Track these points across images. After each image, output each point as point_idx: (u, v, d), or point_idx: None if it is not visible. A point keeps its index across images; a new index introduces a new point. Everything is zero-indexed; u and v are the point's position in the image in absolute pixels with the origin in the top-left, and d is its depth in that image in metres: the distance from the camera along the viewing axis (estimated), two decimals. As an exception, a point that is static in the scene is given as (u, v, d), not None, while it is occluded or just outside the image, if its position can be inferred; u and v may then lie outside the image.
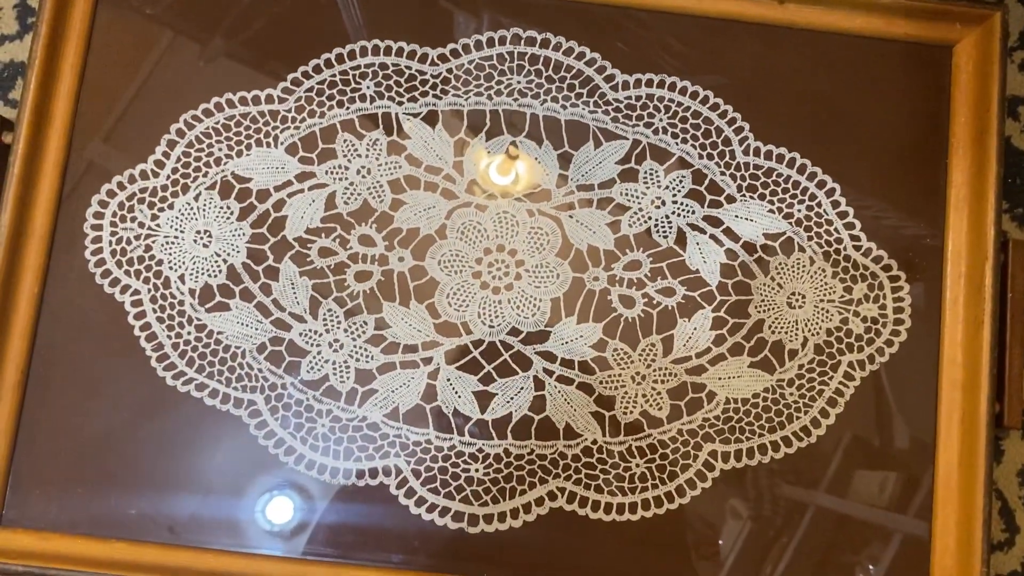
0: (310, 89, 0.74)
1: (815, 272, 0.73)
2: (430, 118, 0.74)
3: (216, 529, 0.68)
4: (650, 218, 0.73)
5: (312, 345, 0.71)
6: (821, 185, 0.74)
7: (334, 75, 0.74)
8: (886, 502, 0.70)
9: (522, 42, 0.75)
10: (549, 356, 0.71)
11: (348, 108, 0.74)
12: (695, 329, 0.72)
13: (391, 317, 0.71)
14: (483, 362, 0.71)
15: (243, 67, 0.73)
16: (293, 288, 0.71)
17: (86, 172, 0.72)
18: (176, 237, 0.72)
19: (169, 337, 0.71)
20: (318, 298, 0.71)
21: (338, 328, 0.71)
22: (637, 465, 0.70)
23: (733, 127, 0.74)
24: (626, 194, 0.73)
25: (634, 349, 0.71)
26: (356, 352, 0.71)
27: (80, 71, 0.73)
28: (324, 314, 0.71)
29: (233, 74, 0.73)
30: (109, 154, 0.72)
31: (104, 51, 0.73)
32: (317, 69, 0.74)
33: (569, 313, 0.72)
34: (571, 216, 0.73)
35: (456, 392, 0.71)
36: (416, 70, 0.74)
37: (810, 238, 0.74)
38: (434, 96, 0.74)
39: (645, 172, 0.73)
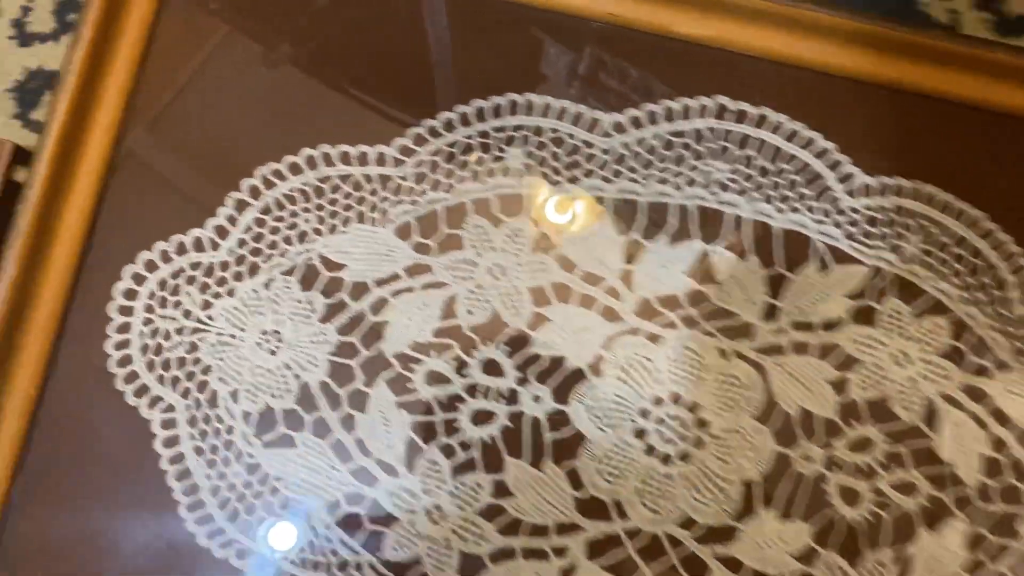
0: (437, 152, 0.53)
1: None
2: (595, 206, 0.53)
3: None
4: (890, 379, 0.52)
5: (404, 511, 0.50)
6: None
7: (471, 136, 0.53)
8: None
9: (729, 116, 0.54)
10: (734, 564, 0.50)
11: (486, 183, 0.54)
12: (943, 548, 0.50)
13: (516, 482, 0.50)
14: (639, 562, 0.50)
15: (351, 114, 0.52)
16: (386, 426, 0.51)
17: (119, 233, 0.52)
18: (233, 336, 0.51)
19: (208, 477, 0.50)
20: (418, 443, 0.51)
21: (442, 490, 0.50)
22: None
23: (1009, 262, 0.53)
24: (859, 342, 0.52)
25: (854, 565, 0.50)
26: (463, 528, 0.50)
27: (129, 92, 0.53)
28: (425, 467, 0.50)
29: (336, 122, 0.52)
30: (154, 211, 0.52)
31: (163, 70, 0.53)
32: (449, 126, 0.53)
33: (767, 504, 0.50)
34: (780, 364, 0.52)
35: (599, 601, 0.50)
36: (582, 140, 0.53)
37: (1111, 430, 0.52)
38: (602, 178, 0.53)
39: (887, 314, 0.52)
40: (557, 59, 0.54)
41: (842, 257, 0.52)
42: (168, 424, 0.50)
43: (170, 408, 0.50)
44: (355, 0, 0.54)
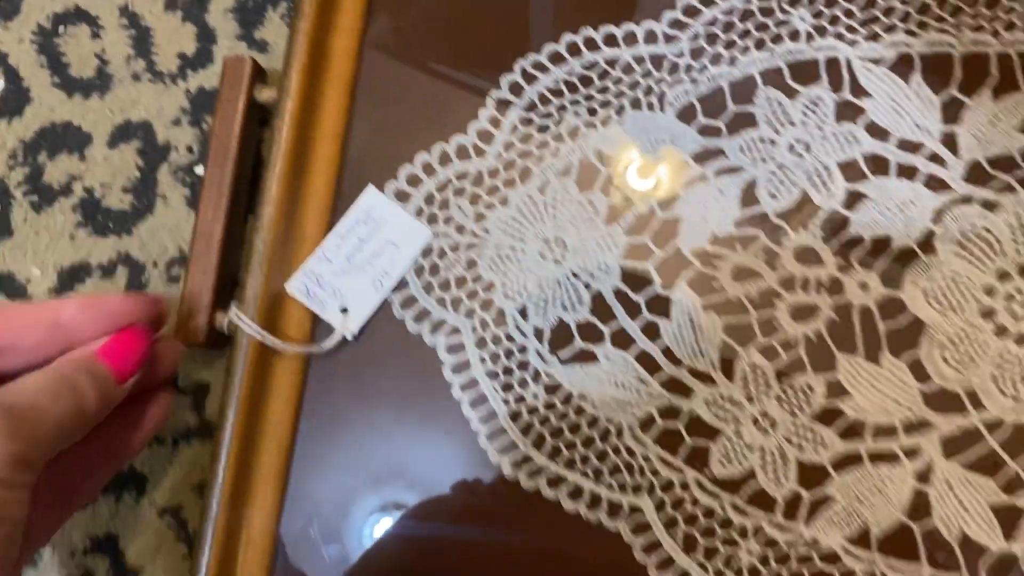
0: (712, 21, 0.46)
1: None
2: (902, 66, 0.45)
3: None
4: None
5: (727, 421, 0.43)
6: None
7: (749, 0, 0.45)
8: None
9: (1050, -56, 0.45)
10: (1119, 451, 0.42)
11: (772, 49, 0.46)
12: None
13: (851, 379, 0.43)
14: (1005, 456, 0.42)
15: (624, -16, 0.45)
16: (694, 331, 0.44)
17: (377, 148, 0.45)
18: (513, 249, 0.45)
19: (506, 401, 0.44)
20: (733, 347, 0.44)
21: (767, 396, 0.43)
22: None
23: None
24: None
25: None
26: (798, 435, 0.43)
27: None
28: (744, 372, 0.43)
29: (597, 2, 0.45)
30: (411, 122, 0.46)
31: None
32: (726, -11, 0.45)
33: None
34: None
35: (963, 506, 0.42)
36: (885, -12, 0.45)
37: None
38: (906, 32, 0.45)
39: None
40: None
41: None
42: (455, 349, 0.43)
43: (455, 331, 0.43)
44: None
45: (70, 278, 0.45)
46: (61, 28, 0.47)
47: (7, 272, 0.45)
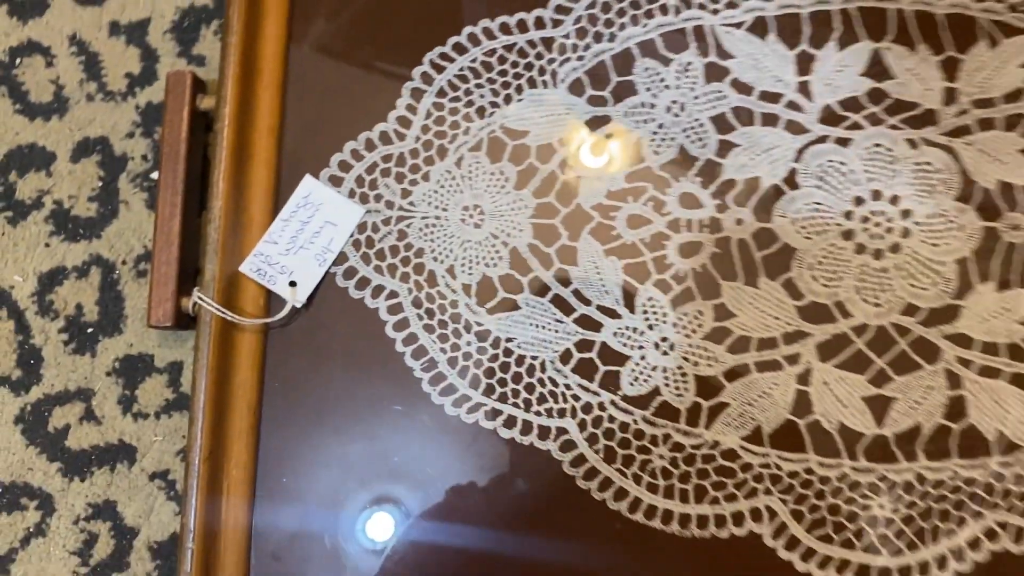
0: (592, 4, 0.52)
1: None
2: (758, 28, 0.51)
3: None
4: (1083, 138, 0.49)
5: (632, 348, 0.50)
6: None
7: (623, -19, 0.52)
8: None
9: (875, -88, 0.51)
10: (963, 340, 0.48)
11: (646, 24, 0.52)
12: None
13: (735, 302, 0.50)
14: (871, 355, 0.49)
15: (510, -22, 0.51)
16: (599, 273, 0.50)
17: (309, 140, 0.51)
18: (438, 218, 0.51)
19: (444, 351, 0.50)
20: (633, 284, 0.50)
21: (664, 322, 0.50)
22: (1113, 485, 0.47)
23: None
24: (1045, 107, 0.50)
25: (1083, 322, 0.48)
26: (694, 353, 0.49)
27: (288, 5, 0.52)
28: (644, 305, 0.50)
29: (495, -9, 0.51)
30: (336, 114, 0.51)
31: (318, -22, 0.52)
32: (600, -25, 0.51)
33: (984, 278, 0.49)
34: (969, 143, 0.50)
35: (839, 400, 0.49)
36: (733, -35, 0.51)
37: None
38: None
39: (1068, 75, 0.50)
40: None
41: (1010, 31, 0.50)
42: (394, 309, 0.49)
43: (393, 294, 0.49)
44: None
45: (50, 281, 0.51)
46: (18, 60, 0.52)
47: (-8, 281, 0.51)
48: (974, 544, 0.46)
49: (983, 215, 0.48)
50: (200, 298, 0.46)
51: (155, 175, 0.51)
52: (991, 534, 0.46)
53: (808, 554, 0.46)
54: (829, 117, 0.49)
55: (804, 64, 0.49)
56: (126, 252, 0.50)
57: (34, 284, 0.50)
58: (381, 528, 0.47)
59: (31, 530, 0.49)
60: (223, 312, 0.46)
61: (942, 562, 0.46)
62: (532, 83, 0.50)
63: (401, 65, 0.50)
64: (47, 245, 0.50)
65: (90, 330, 0.51)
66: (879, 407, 0.47)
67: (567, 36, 0.50)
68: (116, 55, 0.52)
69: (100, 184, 0.51)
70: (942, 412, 0.47)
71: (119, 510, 0.49)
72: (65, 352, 0.50)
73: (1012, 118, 0.48)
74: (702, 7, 0.50)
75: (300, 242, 0.47)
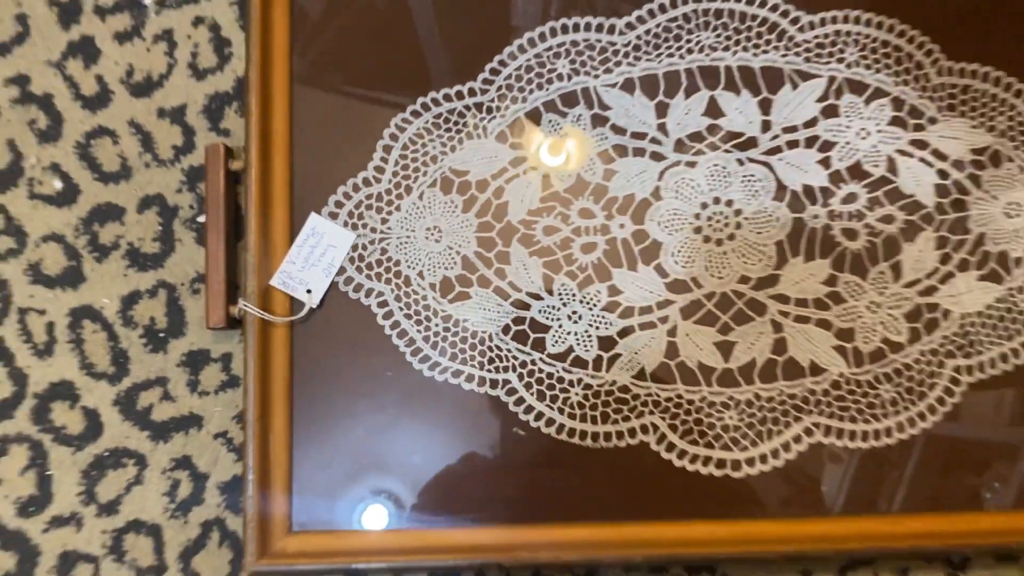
0: (509, 76, 0.71)
1: (1031, 179, 0.69)
2: (627, 86, 0.71)
3: (493, 504, 0.67)
4: (858, 150, 0.70)
5: (552, 320, 0.69)
6: (1018, 94, 0.70)
7: (529, 59, 0.71)
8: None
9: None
10: (782, 298, 0.69)
11: (547, 89, 0.72)
12: (920, 251, 0.69)
13: (622, 282, 0.69)
14: (718, 313, 0.69)
15: (444, 65, 0.71)
16: (525, 269, 0.70)
17: (312, 187, 0.70)
18: (408, 236, 0.70)
19: (420, 332, 0.69)
20: (550, 275, 0.69)
21: (573, 300, 0.69)
22: (886, 391, 0.68)
23: (923, 51, 0.70)
24: (831, 130, 0.70)
25: (865, 279, 0.69)
26: (595, 321, 0.69)
27: (289, 91, 0.71)
28: (559, 289, 0.69)
29: (435, 73, 0.71)
30: (331, 167, 0.71)
31: (308, 69, 0.71)
32: (512, 56, 0.71)
33: (795, 254, 0.69)
34: (781, 159, 0.70)
35: (697, 345, 0.68)
36: (607, 42, 0.71)
37: (1016, 147, 0.70)
38: (628, 64, 0.71)
39: (845, 106, 0.69)
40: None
41: (806, 75, 0.70)
42: (382, 304, 0.68)
43: (380, 294, 0.69)
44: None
45: (129, 301, 0.70)
46: (92, 141, 0.71)
47: (87, 304, 0.70)
48: (797, 439, 0.66)
49: (792, 209, 0.68)
50: (245, 305, 0.66)
51: (201, 218, 0.70)
52: (808, 431, 0.66)
53: (681, 454, 0.66)
54: (681, 147, 0.69)
55: (661, 110, 0.69)
56: (184, 277, 0.69)
57: (118, 304, 0.69)
58: (384, 447, 0.66)
59: (131, 480, 0.68)
60: (262, 314, 0.66)
61: (775, 453, 0.66)
62: (470, 135, 0.69)
63: (375, 127, 0.69)
64: (125, 275, 0.69)
65: (161, 335, 0.70)
66: (725, 349, 0.67)
67: (492, 100, 0.69)
68: (164, 132, 0.71)
69: (160, 228, 0.70)
70: (770, 349, 0.67)
71: (194, 462, 0.68)
72: (145, 351, 0.70)
73: (810, 139, 0.69)
74: (587, 74, 0.69)
75: (311, 261, 0.67)
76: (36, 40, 0.72)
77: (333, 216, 0.68)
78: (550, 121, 0.69)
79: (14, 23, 0.71)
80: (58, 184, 0.71)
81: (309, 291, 0.66)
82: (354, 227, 0.68)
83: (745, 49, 0.69)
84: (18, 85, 0.71)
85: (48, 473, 0.68)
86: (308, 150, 0.69)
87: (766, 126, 0.68)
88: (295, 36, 0.70)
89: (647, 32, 0.69)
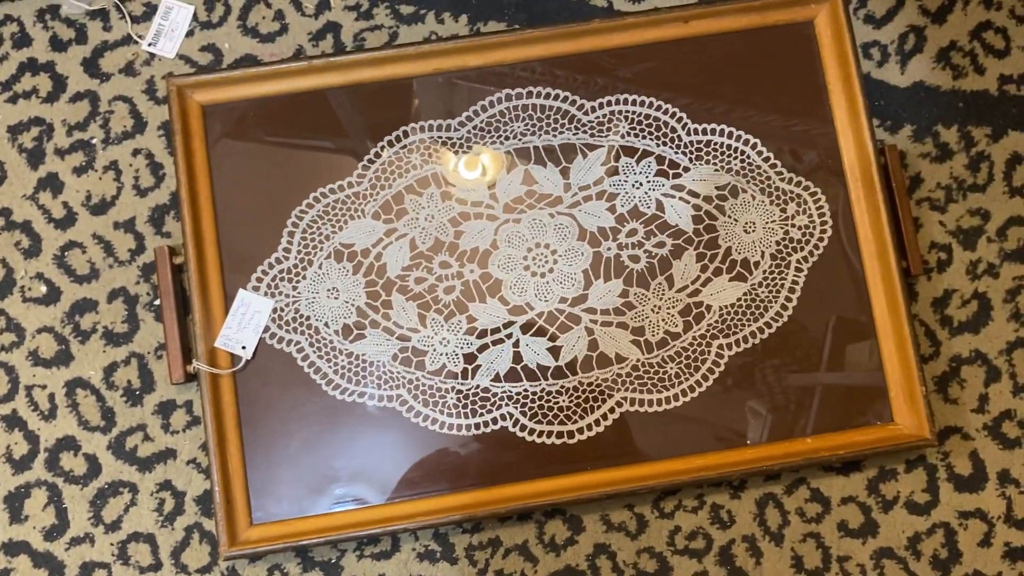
0: (377, 170, 0.95)
1: (758, 204, 0.95)
2: (467, 167, 0.95)
3: (398, 486, 0.91)
4: (634, 197, 0.95)
5: (428, 346, 0.93)
6: (747, 143, 0.95)
7: (392, 155, 0.95)
8: (844, 359, 0.94)
9: (514, 99, 0.96)
10: (591, 310, 0.93)
11: (407, 176, 0.95)
12: (686, 265, 0.94)
13: (476, 312, 0.93)
14: (547, 326, 0.93)
15: (327, 167, 0.94)
16: (405, 311, 0.93)
17: (237, 269, 0.93)
18: (314, 297, 0.93)
19: (330, 367, 0.92)
20: (423, 313, 0.93)
21: (443, 330, 0.93)
22: (672, 368, 0.93)
23: (675, 119, 0.96)
24: (614, 185, 0.95)
25: (648, 290, 0.94)
26: (460, 343, 0.93)
27: (212, 197, 0.94)
28: (431, 323, 0.93)
29: (323, 171, 0.94)
30: (250, 252, 0.93)
31: (225, 179, 0.94)
32: (377, 155, 0.95)
33: (597, 277, 0.94)
34: (580, 210, 0.94)
35: (535, 352, 0.92)
36: (447, 137, 0.95)
37: (748, 182, 0.95)
38: (463, 152, 0.95)
39: (623, 166, 0.94)
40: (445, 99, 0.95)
41: (592, 147, 0.95)
42: (300, 350, 0.92)
43: (298, 343, 0.92)
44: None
45: (110, 371, 0.92)
46: (66, 253, 0.93)
47: (77, 376, 0.92)
48: (612, 410, 0.91)
49: (592, 246, 0.93)
50: (198, 364, 0.88)
51: (157, 302, 0.92)
52: (619, 403, 0.91)
53: (531, 432, 0.90)
54: (508, 209, 0.93)
55: (492, 185, 0.94)
56: (151, 347, 0.92)
57: (101, 374, 0.91)
58: (314, 455, 0.90)
59: (128, 503, 0.90)
60: (211, 369, 0.89)
61: (597, 423, 0.91)
62: (352, 216, 0.93)
63: (281, 219, 0.92)
64: (104, 351, 0.91)
65: (137, 392, 0.92)
66: (555, 351, 0.92)
67: (366, 189, 0.93)
68: (120, 240, 0.93)
69: (126, 312, 0.92)
70: (586, 348, 0.92)
71: (173, 484, 0.90)
72: (126, 406, 0.92)
73: (599, 193, 0.94)
74: (435, 162, 0.94)
75: (243, 324, 0.90)
76: (12, 180, 0.93)
77: (256, 289, 0.91)
78: (411, 200, 0.93)
79: (-4, 171, 0.93)
80: (43, 288, 0.93)
81: (244, 347, 0.89)
82: (273, 295, 0.91)
83: (547, 132, 0.94)
84: (3, 216, 0.93)
85: (64, 506, 0.90)
86: (232, 241, 0.91)
87: (567, 187, 0.93)
88: (212, 154, 0.92)
89: (475, 127, 0.94)
